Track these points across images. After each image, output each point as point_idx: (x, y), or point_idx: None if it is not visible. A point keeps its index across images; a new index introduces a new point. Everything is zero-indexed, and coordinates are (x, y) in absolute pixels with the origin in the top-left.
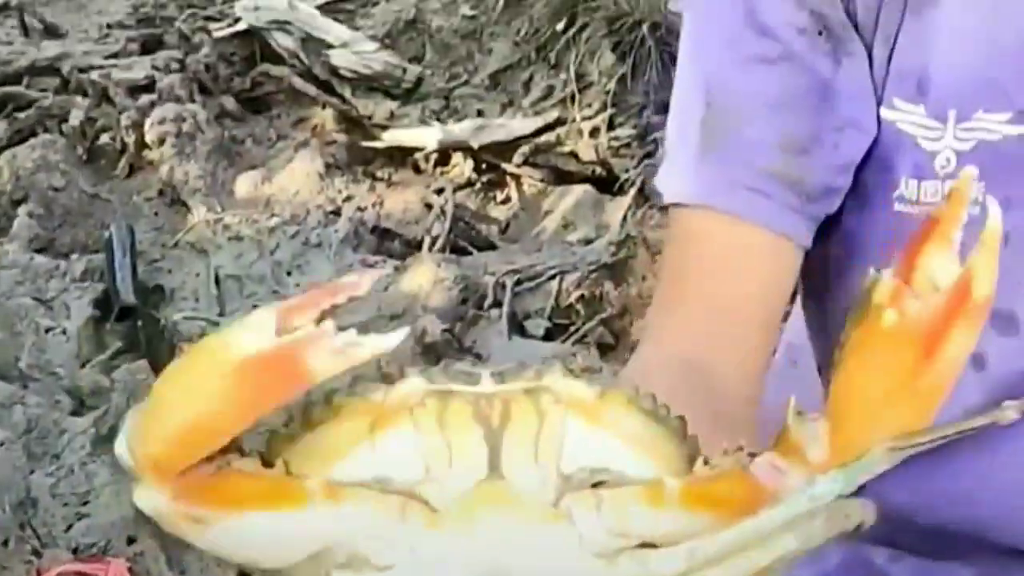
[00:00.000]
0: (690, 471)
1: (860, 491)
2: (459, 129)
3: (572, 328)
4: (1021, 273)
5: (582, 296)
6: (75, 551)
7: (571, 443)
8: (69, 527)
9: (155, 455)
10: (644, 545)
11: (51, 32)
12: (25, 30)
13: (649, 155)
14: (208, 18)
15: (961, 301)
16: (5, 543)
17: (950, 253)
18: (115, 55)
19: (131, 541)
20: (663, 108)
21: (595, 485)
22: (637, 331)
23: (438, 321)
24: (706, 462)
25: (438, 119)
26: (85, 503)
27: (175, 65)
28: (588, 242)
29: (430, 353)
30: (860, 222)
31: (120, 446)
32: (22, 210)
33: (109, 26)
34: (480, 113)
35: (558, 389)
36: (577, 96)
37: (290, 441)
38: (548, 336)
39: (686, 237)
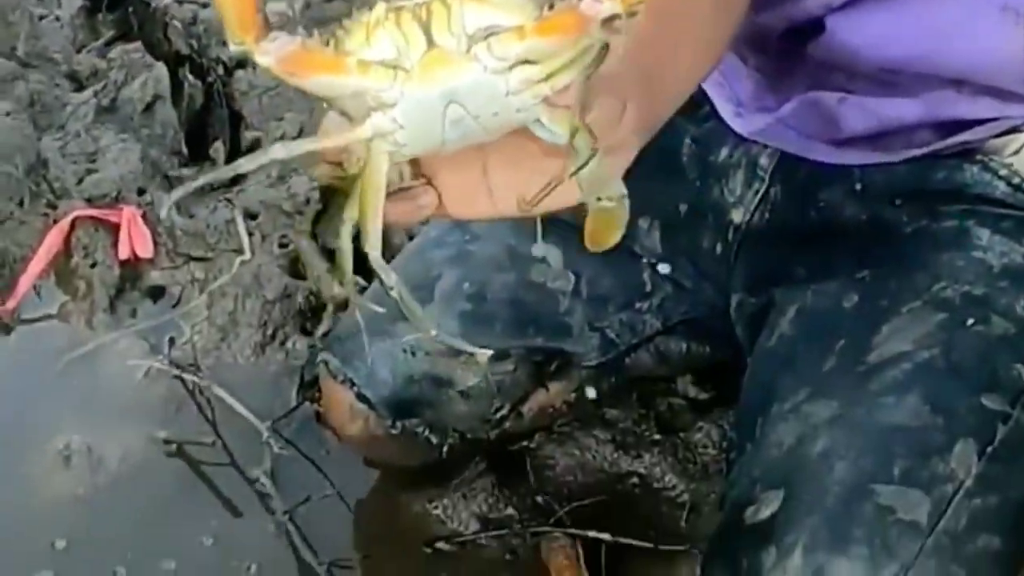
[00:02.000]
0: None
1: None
2: None
3: None
4: None
5: None
6: (88, 201)
7: (469, 17)
8: (80, 181)
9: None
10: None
11: None
12: None
13: None
14: None
15: None
16: (21, 203)
17: None
18: None
19: (141, 192)
20: None
21: (486, 38)
22: None
23: None
24: (551, 7)
25: None
26: (93, 160)
27: None
28: None
29: None
30: None
31: (231, 44)
32: None
33: None
34: None
35: None
36: None
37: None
38: None
39: None
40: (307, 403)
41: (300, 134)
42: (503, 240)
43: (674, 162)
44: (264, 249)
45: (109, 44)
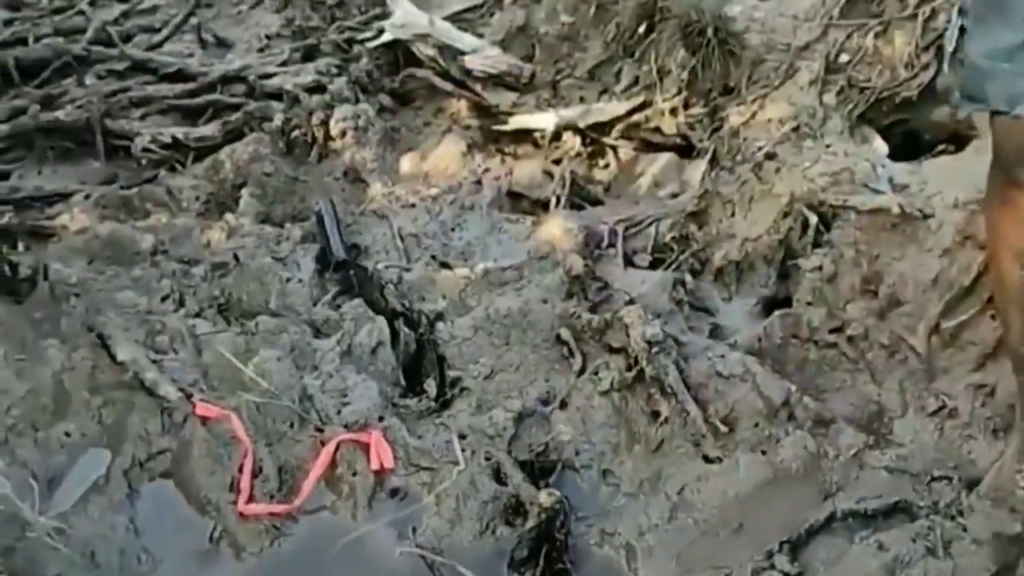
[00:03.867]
0: None
1: None
2: (569, 113)
3: (668, 260)
4: None
5: (674, 236)
6: (345, 427)
7: None
8: (339, 411)
9: None
10: None
11: (222, 44)
12: (202, 43)
13: (717, 129)
14: (352, 29)
15: None
16: (292, 425)
17: None
18: (284, 63)
19: (380, 418)
20: (725, 91)
21: None
22: (717, 260)
23: (579, 258)
24: None
25: (550, 105)
26: (345, 395)
27: (334, 70)
28: (674, 196)
29: (575, 282)
30: None
31: None
32: (244, 192)
33: (268, 37)
34: (582, 99)
35: None
36: (658, 84)
37: None
38: (652, 266)
39: None
40: None
41: (491, 373)
42: None
43: None
44: (474, 461)
45: (335, 298)
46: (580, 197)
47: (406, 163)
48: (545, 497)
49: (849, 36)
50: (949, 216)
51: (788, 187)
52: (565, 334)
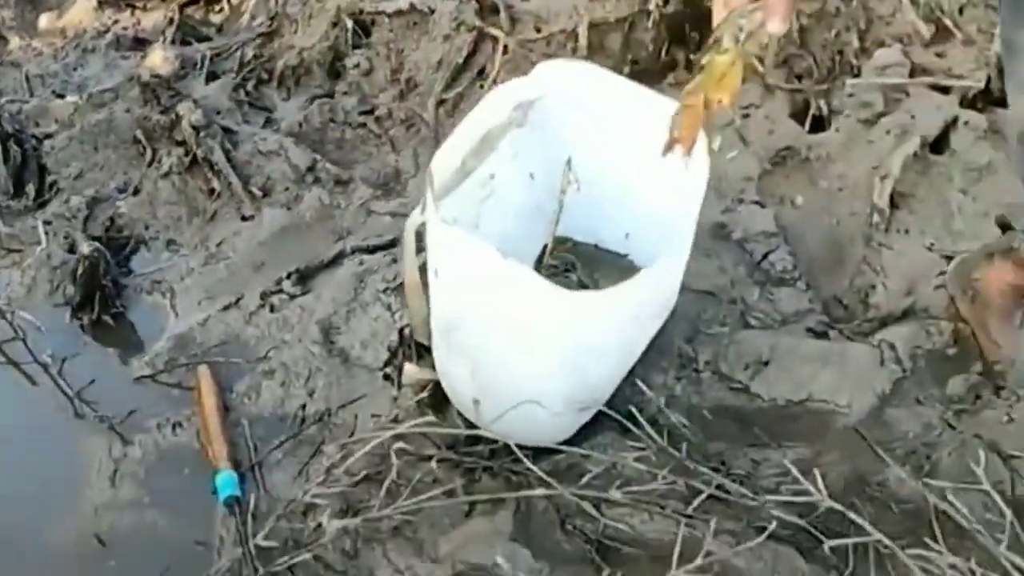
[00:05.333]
0: None
1: None
2: None
3: (245, 71)
4: None
5: (254, 55)
6: None
7: None
8: None
9: None
10: None
11: None
12: None
13: None
14: None
15: None
16: None
17: None
18: None
19: None
20: None
21: None
22: (279, 68)
23: (148, 71)
24: None
25: None
26: None
27: None
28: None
29: (147, 90)
30: None
31: None
32: None
33: None
34: None
35: None
36: None
37: None
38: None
39: None
40: (75, 320)
41: (80, 174)
42: None
43: None
44: (55, 241)
45: None
46: (195, 37)
47: (43, 20)
48: (85, 248)
49: None
50: (446, 7)
51: (336, 2)
52: (139, 134)
